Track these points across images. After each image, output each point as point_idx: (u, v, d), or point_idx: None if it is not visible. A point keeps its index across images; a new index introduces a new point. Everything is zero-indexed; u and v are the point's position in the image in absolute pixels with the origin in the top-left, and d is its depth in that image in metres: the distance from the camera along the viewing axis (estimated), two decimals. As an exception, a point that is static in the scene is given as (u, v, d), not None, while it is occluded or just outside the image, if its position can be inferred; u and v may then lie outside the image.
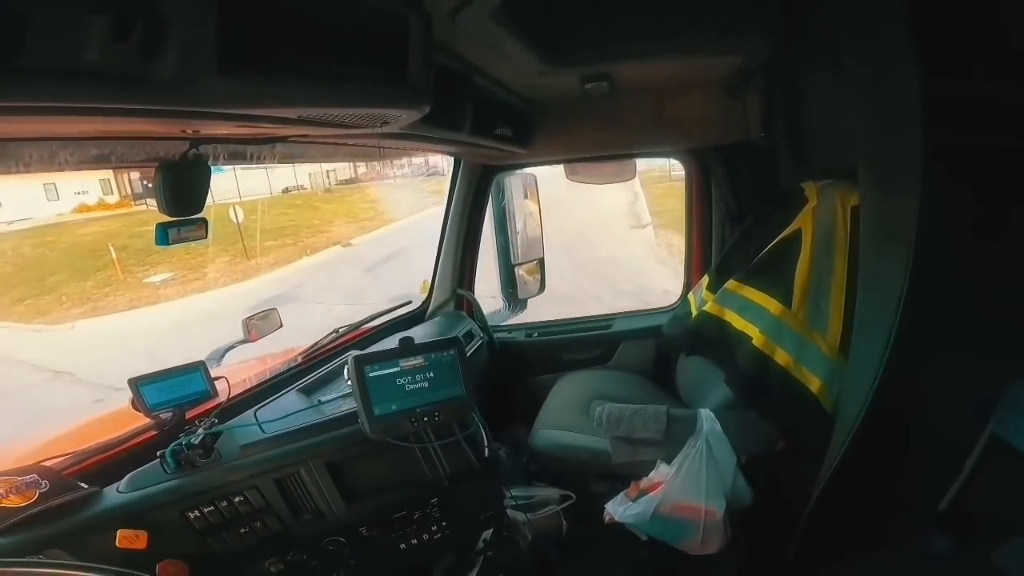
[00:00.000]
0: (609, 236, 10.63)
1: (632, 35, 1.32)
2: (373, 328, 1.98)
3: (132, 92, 0.54)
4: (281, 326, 1.84)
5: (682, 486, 1.40)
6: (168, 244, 1.16)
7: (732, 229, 1.96)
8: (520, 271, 2.34)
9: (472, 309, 2.26)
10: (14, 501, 0.94)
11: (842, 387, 1.21)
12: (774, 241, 1.40)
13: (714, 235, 2.09)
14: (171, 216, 1.12)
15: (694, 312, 1.66)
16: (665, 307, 2.31)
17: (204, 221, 1.19)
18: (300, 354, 1.70)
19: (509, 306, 2.40)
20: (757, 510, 1.44)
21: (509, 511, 1.47)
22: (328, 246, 12.19)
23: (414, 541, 1.27)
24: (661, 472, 1.47)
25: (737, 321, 1.44)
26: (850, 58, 1.06)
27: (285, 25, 0.61)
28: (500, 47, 1.20)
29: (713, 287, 1.60)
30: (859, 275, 1.12)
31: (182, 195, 1.11)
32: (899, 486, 1.25)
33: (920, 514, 1.30)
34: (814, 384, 1.28)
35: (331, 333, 1.81)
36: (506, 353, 2.24)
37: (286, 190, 14.99)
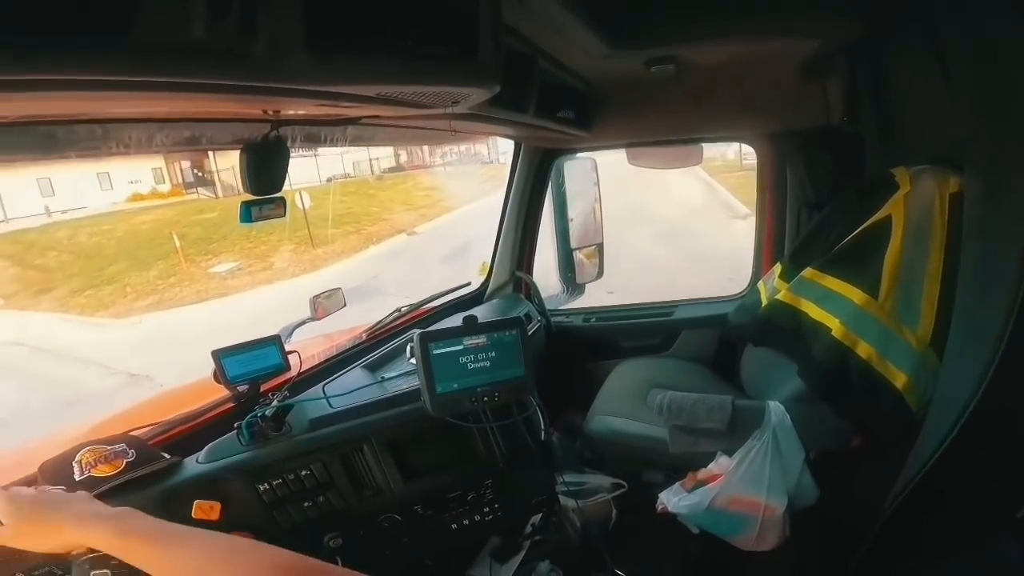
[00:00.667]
0: (709, 227, 10.26)
1: (701, 16, 1.25)
2: (433, 308, 2.03)
3: (231, 69, 0.56)
4: (345, 305, 1.91)
5: (743, 479, 1.36)
6: (252, 221, 1.25)
7: (808, 217, 1.85)
8: (579, 255, 2.33)
9: (530, 292, 2.27)
10: (103, 470, 0.97)
11: (937, 385, 1.12)
12: (859, 228, 1.31)
13: (788, 223, 1.98)
14: (255, 195, 1.20)
15: (764, 301, 1.59)
16: (730, 296, 2.22)
17: (283, 200, 1.26)
18: (364, 331, 1.77)
19: (567, 290, 2.39)
20: (821, 509, 1.37)
21: (560, 496, 1.47)
22: (392, 234, 12.24)
23: (466, 522, 1.28)
24: (721, 464, 1.42)
25: (814, 311, 1.37)
26: (951, 35, 0.97)
27: (365, 3, 0.63)
28: (565, 30, 1.18)
29: (787, 276, 1.52)
30: (962, 266, 1.03)
31: (264, 175, 1.19)
32: (983, 491, 1.15)
33: (999, 520, 1.19)
34: (899, 380, 1.20)
35: (394, 312, 1.87)
36: (563, 337, 2.23)
37: (330, 179, 14.79)
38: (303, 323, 2.16)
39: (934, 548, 1.18)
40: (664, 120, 1.90)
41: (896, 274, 1.23)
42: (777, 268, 1.63)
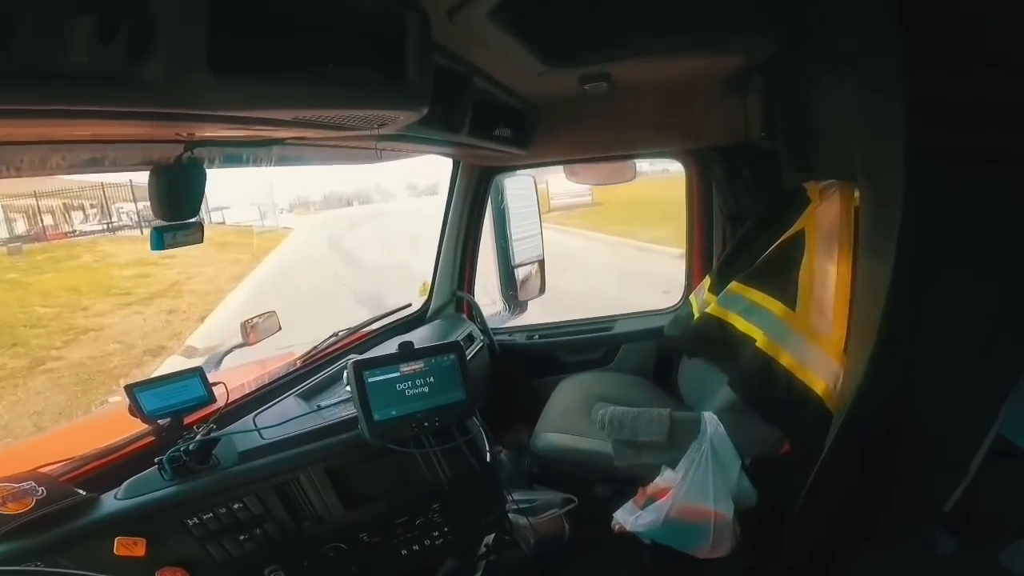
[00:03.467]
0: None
1: (631, 35, 1.30)
2: (372, 332, 1.96)
3: (121, 93, 0.52)
4: (280, 329, 1.82)
5: (690, 490, 1.38)
6: (164, 247, 1.15)
7: (733, 230, 1.94)
8: (520, 272, 2.34)
9: (472, 311, 2.24)
10: (11, 508, 0.93)
11: (844, 388, 1.20)
12: (777, 242, 1.39)
13: (715, 237, 2.08)
14: (166, 220, 1.11)
15: (696, 314, 1.64)
16: (666, 309, 2.29)
17: (200, 224, 1.18)
18: (299, 358, 1.68)
19: (509, 308, 2.39)
20: (762, 512, 1.42)
21: (511, 515, 1.45)
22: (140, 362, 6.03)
23: (416, 547, 1.26)
24: (667, 478, 1.45)
25: (740, 323, 1.43)
26: (845, 54, 1.06)
27: (278, 24, 0.60)
28: (499, 47, 1.19)
29: (715, 288, 1.58)
30: (858, 275, 1.12)
31: (176, 199, 1.10)
32: (904, 486, 1.24)
33: (926, 514, 1.28)
34: (819, 386, 1.27)
35: (330, 336, 1.79)
36: (507, 355, 2.22)
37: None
38: (232, 350, 2.03)
39: (851, 540, 1.25)
40: (599, 137, 1.94)
41: (811, 285, 1.30)
42: (706, 281, 1.69)
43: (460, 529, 1.31)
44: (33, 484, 0.99)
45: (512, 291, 2.32)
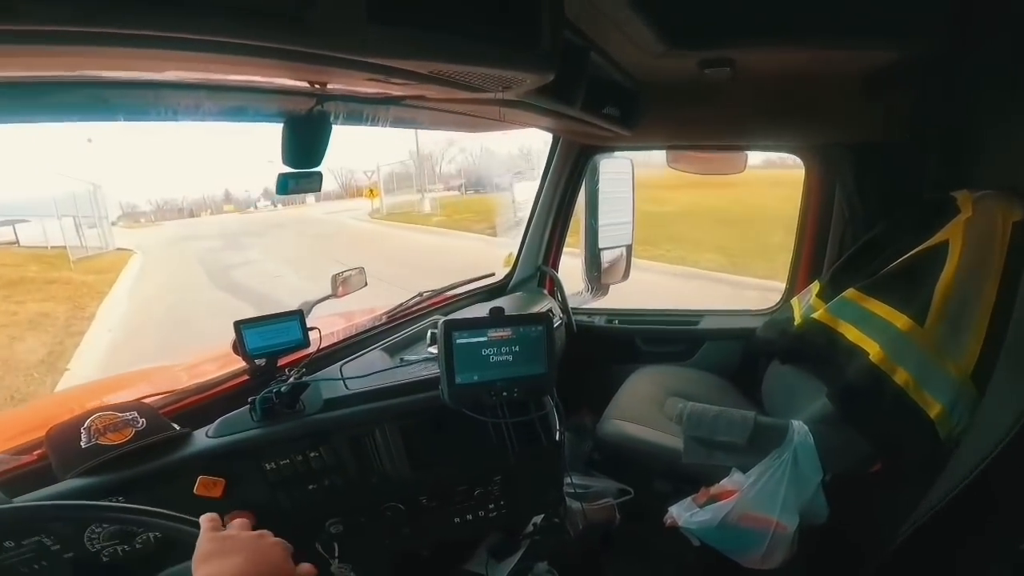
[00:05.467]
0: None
1: (766, 20, 1.20)
2: (456, 296, 2.01)
3: (288, 33, 0.55)
4: (366, 285, 1.90)
5: (757, 497, 1.33)
6: (287, 192, 1.25)
7: (853, 236, 1.78)
8: (606, 256, 2.30)
9: (554, 288, 2.24)
10: (109, 439, 0.95)
11: (976, 416, 1.08)
12: (912, 252, 1.26)
13: (830, 241, 1.92)
14: (292, 167, 1.20)
15: (798, 319, 1.54)
16: (759, 310, 2.17)
17: (320, 175, 1.26)
18: (384, 313, 1.76)
19: (591, 289, 2.36)
20: (824, 529, 1.34)
21: (567, 498, 1.44)
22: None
23: (469, 516, 1.26)
24: (735, 480, 1.39)
25: (852, 333, 1.32)
26: None
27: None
28: (624, 25, 1.15)
29: (825, 295, 1.47)
30: (1019, 299, 0.98)
31: (305, 148, 1.19)
32: (993, 522, 1.11)
33: (1002, 551, 1.14)
34: (934, 409, 1.16)
35: (415, 296, 1.86)
36: (583, 337, 2.21)
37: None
38: (323, 300, 2.17)
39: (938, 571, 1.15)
40: (711, 124, 1.84)
41: (947, 302, 1.18)
42: (814, 286, 1.58)
43: (515, 505, 1.30)
44: (136, 415, 1.01)
45: (596, 272, 2.29)
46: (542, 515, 1.43)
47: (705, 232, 9.60)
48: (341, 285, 1.91)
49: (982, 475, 0.98)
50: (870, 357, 1.25)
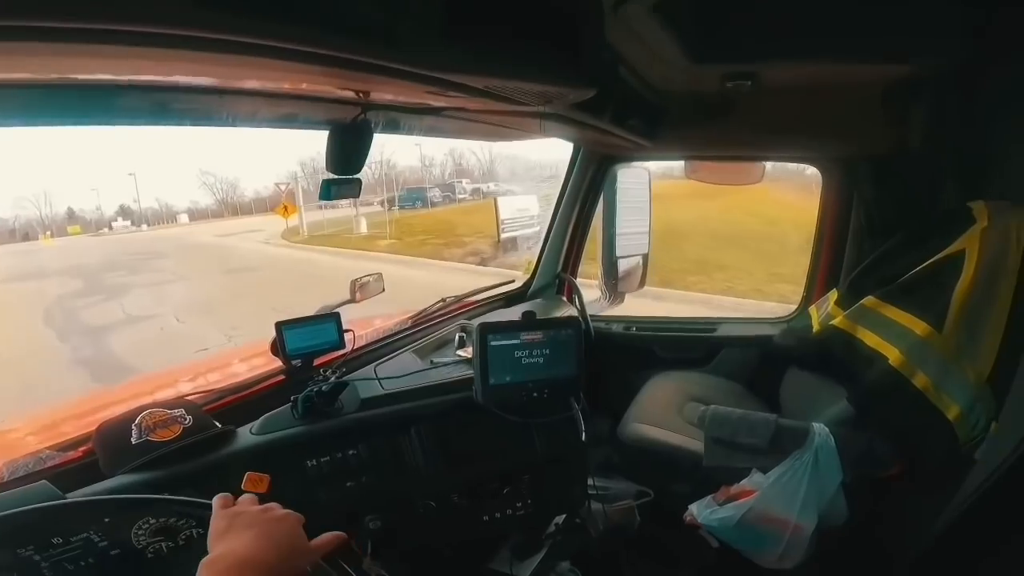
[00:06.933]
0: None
1: (790, 34, 1.24)
2: (478, 302, 2.06)
3: (371, 47, 0.60)
4: (383, 291, 1.94)
5: (777, 497, 1.35)
6: (331, 199, 1.31)
7: (871, 246, 1.81)
8: (623, 264, 2.34)
9: (572, 295, 2.29)
10: (159, 435, 0.96)
11: (999, 419, 1.12)
12: (929, 261, 1.30)
13: (848, 251, 1.95)
14: (336, 174, 1.25)
15: (816, 326, 1.58)
16: (775, 317, 2.20)
17: (359, 181, 1.32)
18: (410, 318, 1.80)
19: (608, 297, 2.40)
20: (850, 534, 1.37)
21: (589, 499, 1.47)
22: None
23: (498, 514, 1.29)
24: (755, 480, 1.42)
25: (871, 339, 1.36)
26: None
27: (496, 3, 0.67)
28: (651, 40, 1.20)
29: (843, 303, 1.51)
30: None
31: (348, 155, 1.24)
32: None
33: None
34: (952, 411, 1.20)
35: (438, 301, 1.90)
36: (601, 343, 2.24)
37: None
38: (342, 305, 2.20)
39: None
40: (731, 136, 1.88)
41: (963, 309, 1.21)
42: (833, 295, 1.61)
43: (541, 504, 1.33)
44: (183, 412, 1.01)
45: (613, 280, 2.33)
46: (564, 516, 1.45)
47: (722, 252, 8.38)
48: (359, 290, 1.94)
49: (1004, 481, 1.00)
50: (890, 362, 1.28)
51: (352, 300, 1.84)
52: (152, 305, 7.69)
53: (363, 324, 1.84)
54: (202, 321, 6.37)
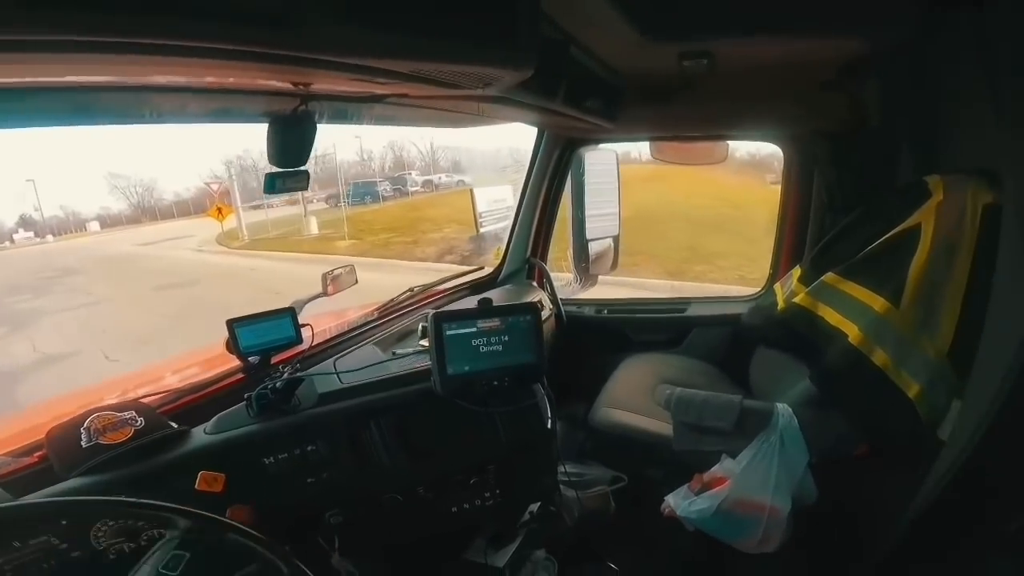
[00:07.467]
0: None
1: (741, 11, 1.22)
2: (446, 290, 2.04)
3: (271, 36, 0.57)
4: (357, 283, 1.90)
5: (750, 481, 1.35)
6: (275, 192, 1.26)
7: (832, 221, 1.82)
8: (594, 247, 2.32)
9: (543, 279, 2.27)
10: (109, 438, 0.95)
11: (964, 396, 1.12)
12: (886, 235, 1.29)
13: (810, 227, 1.96)
14: (279, 167, 1.20)
15: (781, 304, 1.57)
16: (744, 296, 2.21)
17: (307, 173, 1.27)
18: (376, 309, 1.77)
19: (579, 280, 2.39)
20: (817, 512, 1.37)
21: (561, 486, 1.47)
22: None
23: (466, 505, 1.28)
24: (726, 467, 1.42)
25: (832, 316, 1.36)
26: (1003, 42, 0.94)
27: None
28: (600, 19, 1.16)
29: (806, 279, 1.50)
30: (997, 278, 1.01)
31: (290, 148, 1.20)
32: (985, 504, 1.15)
33: (991, 534, 1.19)
34: (912, 389, 1.20)
35: (406, 291, 1.87)
36: (573, 327, 2.24)
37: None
38: (314, 298, 2.17)
39: (942, 559, 1.18)
40: (692, 115, 1.87)
41: (920, 283, 1.21)
42: (796, 271, 1.61)
43: (511, 493, 1.32)
44: (134, 414, 1.01)
45: (584, 263, 2.31)
46: (538, 503, 1.44)
47: (707, 238, 8.04)
48: (331, 283, 1.91)
49: (974, 460, 1.01)
50: (849, 339, 1.28)
51: (324, 294, 1.81)
52: (73, 337, 6.08)
53: (336, 317, 1.81)
54: (140, 357, 5.00)
